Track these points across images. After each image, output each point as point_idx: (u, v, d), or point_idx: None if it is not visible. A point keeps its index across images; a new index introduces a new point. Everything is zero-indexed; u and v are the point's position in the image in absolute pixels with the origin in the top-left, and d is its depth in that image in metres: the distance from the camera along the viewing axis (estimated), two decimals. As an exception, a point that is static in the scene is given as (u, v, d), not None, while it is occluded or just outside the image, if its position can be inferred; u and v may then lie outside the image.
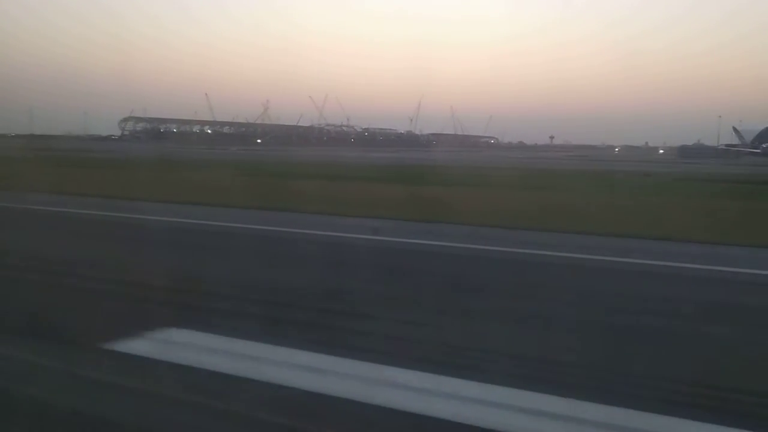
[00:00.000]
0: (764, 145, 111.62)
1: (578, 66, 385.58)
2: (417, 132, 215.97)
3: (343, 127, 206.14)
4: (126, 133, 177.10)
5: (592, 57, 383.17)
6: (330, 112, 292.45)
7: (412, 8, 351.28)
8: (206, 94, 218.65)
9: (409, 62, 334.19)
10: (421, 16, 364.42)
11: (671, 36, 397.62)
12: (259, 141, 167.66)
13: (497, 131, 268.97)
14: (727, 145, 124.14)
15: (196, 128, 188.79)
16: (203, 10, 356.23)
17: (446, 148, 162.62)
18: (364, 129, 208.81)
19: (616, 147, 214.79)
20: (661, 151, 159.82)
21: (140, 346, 5.98)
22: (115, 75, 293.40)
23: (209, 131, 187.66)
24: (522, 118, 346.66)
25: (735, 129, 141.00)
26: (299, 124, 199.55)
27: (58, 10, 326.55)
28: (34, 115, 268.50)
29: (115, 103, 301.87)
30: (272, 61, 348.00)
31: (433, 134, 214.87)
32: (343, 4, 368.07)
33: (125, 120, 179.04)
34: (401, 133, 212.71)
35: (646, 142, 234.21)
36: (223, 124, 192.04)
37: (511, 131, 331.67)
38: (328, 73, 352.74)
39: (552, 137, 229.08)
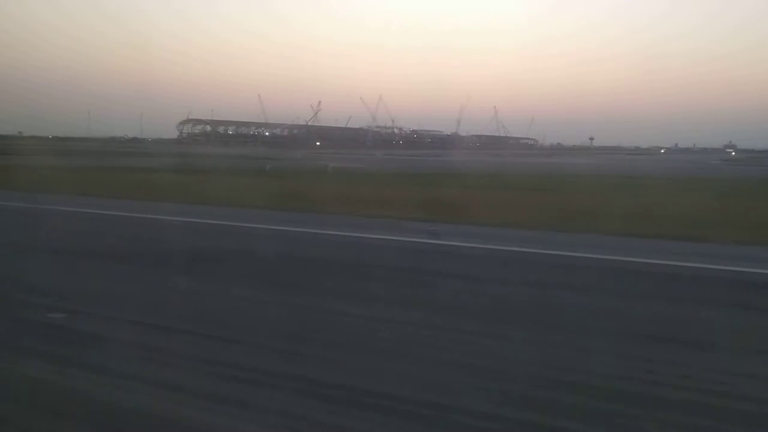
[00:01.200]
0: None
1: (609, 68, 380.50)
2: (462, 134, 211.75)
3: (393, 130, 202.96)
4: (184, 135, 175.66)
5: (624, 59, 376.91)
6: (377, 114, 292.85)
7: (454, 16, 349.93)
8: (259, 95, 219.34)
9: (449, 67, 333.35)
10: (462, 23, 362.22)
11: (700, 38, 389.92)
12: (318, 144, 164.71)
13: (536, 133, 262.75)
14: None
15: (253, 130, 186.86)
16: (245, 14, 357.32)
17: (500, 150, 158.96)
18: (413, 131, 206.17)
19: (661, 149, 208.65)
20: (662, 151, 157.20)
21: None
22: (169, 78, 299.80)
23: (267, 134, 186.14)
24: (558, 119, 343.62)
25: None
26: (348, 125, 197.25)
27: (104, 15, 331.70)
28: (92, 118, 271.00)
29: (165, 106, 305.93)
30: (318, 64, 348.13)
31: (476, 136, 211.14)
32: (385, 12, 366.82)
33: (184, 123, 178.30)
34: (447, 135, 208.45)
35: (676, 144, 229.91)
36: (275, 126, 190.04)
37: (551, 133, 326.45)
38: (371, 76, 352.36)
39: (592, 139, 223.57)
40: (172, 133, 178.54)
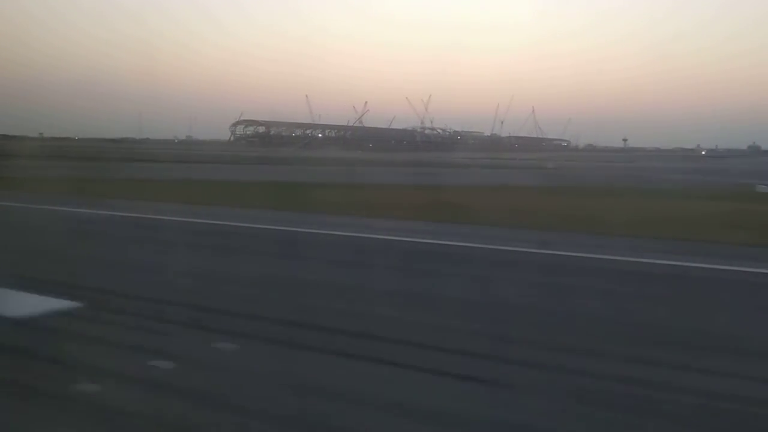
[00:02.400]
0: None
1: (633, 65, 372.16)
2: (501, 135, 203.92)
3: (438, 131, 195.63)
4: (237, 137, 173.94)
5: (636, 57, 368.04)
6: (416, 114, 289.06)
7: (481, 14, 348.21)
8: (306, 96, 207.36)
9: (491, 69, 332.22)
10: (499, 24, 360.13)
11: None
12: (371, 146, 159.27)
13: (568, 134, 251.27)
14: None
15: (303, 132, 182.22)
16: (281, 15, 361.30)
17: (552, 153, 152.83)
18: (455, 132, 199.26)
19: (702, 150, 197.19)
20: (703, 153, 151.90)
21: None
22: (215, 79, 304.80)
23: (319, 135, 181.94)
24: (589, 120, 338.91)
25: None
26: (391, 126, 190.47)
27: (148, 19, 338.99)
28: (143, 119, 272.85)
29: (211, 107, 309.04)
30: (357, 66, 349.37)
31: (514, 137, 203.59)
32: (429, 14, 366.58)
33: (237, 124, 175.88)
34: (487, 136, 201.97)
35: (698, 145, 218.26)
36: (324, 127, 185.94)
37: (584, 134, 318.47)
38: (405, 76, 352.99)
39: (625, 140, 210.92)
40: (219, 135, 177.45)
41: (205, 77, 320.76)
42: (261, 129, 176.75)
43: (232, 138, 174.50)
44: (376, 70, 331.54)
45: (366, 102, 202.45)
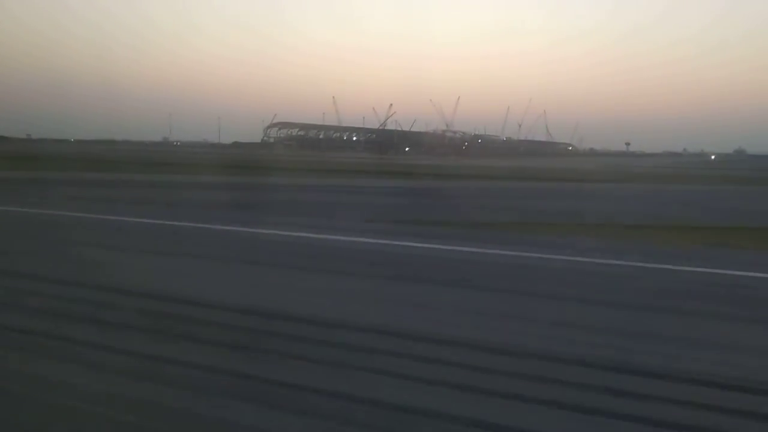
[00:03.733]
0: None
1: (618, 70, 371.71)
2: (516, 138, 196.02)
3: (459, 134, 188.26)
4: (270, 140, 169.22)
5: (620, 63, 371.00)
6: (435, 117, 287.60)
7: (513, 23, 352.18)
8: (333, 97, 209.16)
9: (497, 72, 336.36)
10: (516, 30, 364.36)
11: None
12: (407, 149, 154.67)
13: (572, 137, 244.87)
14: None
15: (342, 135, 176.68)
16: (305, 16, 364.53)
17: (568, 156, 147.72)
18: (476, 136, 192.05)
19: (712, 155, 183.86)
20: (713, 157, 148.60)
21: None
22: (245, 80, 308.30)
23: (354, 138, 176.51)
24: (589, 123, 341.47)
25: None
26: (412, 129, 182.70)
27: (179, 23, 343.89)
28: (173, 122, 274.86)
29: (240, 109, 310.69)
30: (382, 67, 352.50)
31: (525, 140, 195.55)
32: (449, 17, 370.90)
33: (271, 126, 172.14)
34: (503, 139, 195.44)
35: (684, 149, 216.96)
36: (352, 129, 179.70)
37: (588, 137, 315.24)
38: (422, 80, 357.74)
39: (628, 144, 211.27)
40: (249, 137, 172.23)
41: (228, 80, 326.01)
42: (298, 131, 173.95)
43: (266, 140, 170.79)
44: (393, 72, 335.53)
45: (391, 104, 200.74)
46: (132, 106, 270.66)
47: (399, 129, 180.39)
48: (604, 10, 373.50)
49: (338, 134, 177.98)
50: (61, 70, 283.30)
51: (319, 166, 50.19)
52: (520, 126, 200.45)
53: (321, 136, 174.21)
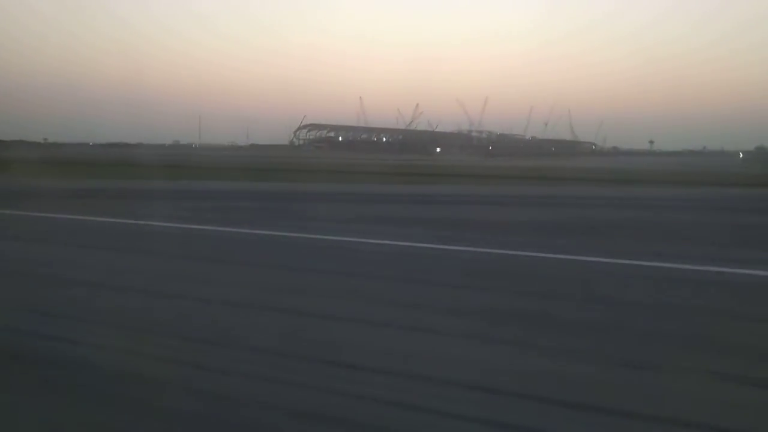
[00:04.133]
0: None
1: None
2: (541, 137, 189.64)
3: (485, 134, 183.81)
4: (300, 142, 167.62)
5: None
6: (459, 117, 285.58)
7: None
8: (360, 98, 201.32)
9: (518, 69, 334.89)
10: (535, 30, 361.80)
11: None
12: (438, 150, 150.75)
13: (596, 136, 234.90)
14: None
15: (372, 136, 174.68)
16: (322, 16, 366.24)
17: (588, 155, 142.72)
18: (502, 135, 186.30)
19: (739, 153, 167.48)
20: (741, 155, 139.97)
21: None
22: (276, 82, 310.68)
23: (384, 139, 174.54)
24: (614, 120, 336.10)
25: None
26: (437, 129, 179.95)
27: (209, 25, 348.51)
28: (202, 124, 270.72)
29: (263, 113, 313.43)
30: (404, 68, 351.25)
31: (550, 140, 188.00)
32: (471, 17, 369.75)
33: (300, 128, 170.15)
34: (528, 139, 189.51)
35: (704, 147, 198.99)
36: (379, 131, 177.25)
37: (611, 136, 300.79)
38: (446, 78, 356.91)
39: (652, 142, 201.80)
40: (276, 139, 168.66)
41: (251, 83, 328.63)
42: (327, 133, 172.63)
43: (295, 142, 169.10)
44: (416, 73, 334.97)
45: (418, 104, 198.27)
46: (160, 110, 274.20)
47: (431, 129, 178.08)
48: (631, 10, 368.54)
49: (367, 135, 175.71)
50: (80, 73, 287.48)
51: (376, 169, 45.46)
52: (546, 125, 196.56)
53: (350, 138, 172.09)
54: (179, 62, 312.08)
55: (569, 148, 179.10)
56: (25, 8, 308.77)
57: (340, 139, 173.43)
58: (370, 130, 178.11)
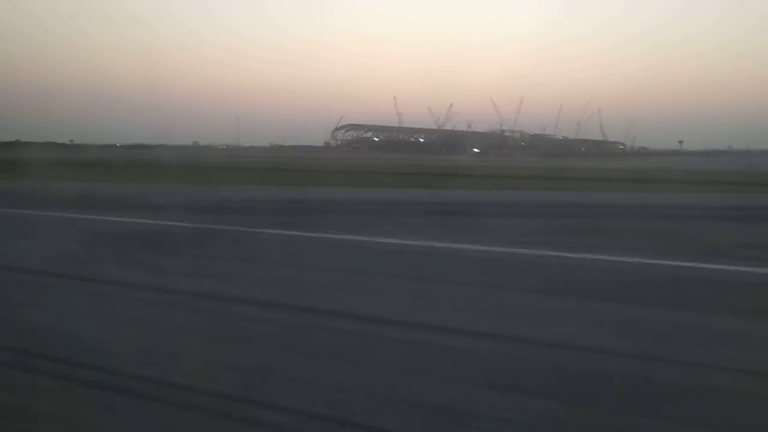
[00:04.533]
0: None
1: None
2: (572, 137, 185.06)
3: (517, 133, 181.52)
4: (338, 142, 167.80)
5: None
6: (491, 117, 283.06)
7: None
8: (394, 97, 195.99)
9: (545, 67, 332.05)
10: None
11: None
12: (476, 150, 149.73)
13: (626, 136, 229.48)
14: None
15: (413, 137, 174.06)
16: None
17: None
18: (534, 135, 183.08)
19: None
20: None
21: None
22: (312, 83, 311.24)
23: (422, 140, 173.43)
24: (643, 120, 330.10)
25: None
26: (471, 129, 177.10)
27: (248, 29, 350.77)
28: (241, 124, 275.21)
29: (297, 113, 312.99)
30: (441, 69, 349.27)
31: (579, 140, 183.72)
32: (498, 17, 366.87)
33: (339, 128, 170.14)
34: (559, 138, 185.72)
35: (730, 146, 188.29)
36: (415, 131, 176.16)
37: (640, 136, 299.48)
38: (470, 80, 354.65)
39: (681, 142, 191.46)
40: (312, 140, 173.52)
41: (285, 84, 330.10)
42: (366, 133, 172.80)
43: (332, 143, 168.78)
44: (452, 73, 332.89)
45: (451, 104, 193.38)
46: (200, 111, 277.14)
47: (464, 130, 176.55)
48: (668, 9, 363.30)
49: (404, 136, 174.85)
50: (101, 76, 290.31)
51: (439, 171, 43.97)
52: (579, 125, 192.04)
53: (387, 139, 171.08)
54: (215, 67, 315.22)
55: (598, 148, 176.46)
56: (49, 10, 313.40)
57: (376, 139, 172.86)
58: (407, 131, 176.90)
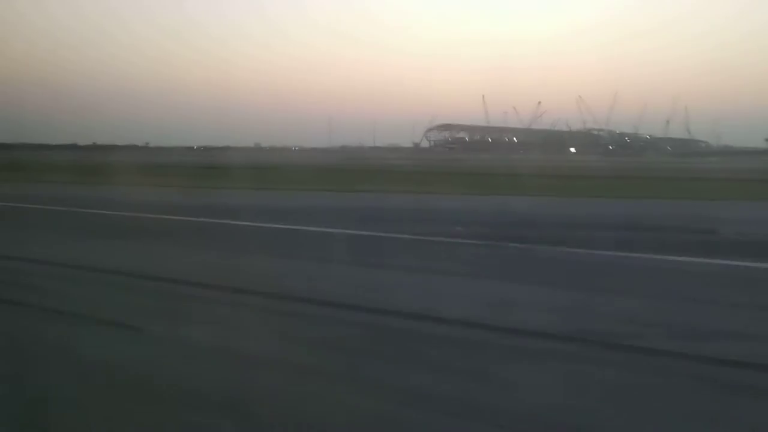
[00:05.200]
0: None
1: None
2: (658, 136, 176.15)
3: (604, 132, 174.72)
4: (430, 143, 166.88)
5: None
6: (577, 115, 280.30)
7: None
8: (483, 96, 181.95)
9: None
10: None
11: None
12: (573, 150, 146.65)
13: (710, 134, 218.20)
14: None
15: (506, 137, 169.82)
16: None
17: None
18: (621, 134, 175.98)
19: None
20: None
21: None
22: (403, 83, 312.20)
23: (515, 140, 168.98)
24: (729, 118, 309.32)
25: None
26: (554, 128, 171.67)
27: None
28: (332, 126, 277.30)
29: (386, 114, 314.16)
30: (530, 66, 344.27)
31: (664, 138, 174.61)
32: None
33: (432, 129, 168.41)
34: (647, 137, 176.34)
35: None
36: (507, 130, 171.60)
37: (725, 134, 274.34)
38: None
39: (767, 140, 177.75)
40: (400, 141, 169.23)
41: (374, 85, 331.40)
42: (458, 133, 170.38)
43: (424, 144, 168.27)
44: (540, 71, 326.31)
45: (540, 102, 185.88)
46: (294, 113, 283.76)
47: (555, 128, 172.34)
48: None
49: (497, 135, 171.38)
50: (175, 79, 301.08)
51: (566, 172, 40.97)
52: (668, 123, 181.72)
53: (479, 138, 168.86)
54: (307, 68, 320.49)
55: (684, 146, 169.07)
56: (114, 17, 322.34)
57: (467, 139, 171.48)
58: (496, 130, 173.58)
